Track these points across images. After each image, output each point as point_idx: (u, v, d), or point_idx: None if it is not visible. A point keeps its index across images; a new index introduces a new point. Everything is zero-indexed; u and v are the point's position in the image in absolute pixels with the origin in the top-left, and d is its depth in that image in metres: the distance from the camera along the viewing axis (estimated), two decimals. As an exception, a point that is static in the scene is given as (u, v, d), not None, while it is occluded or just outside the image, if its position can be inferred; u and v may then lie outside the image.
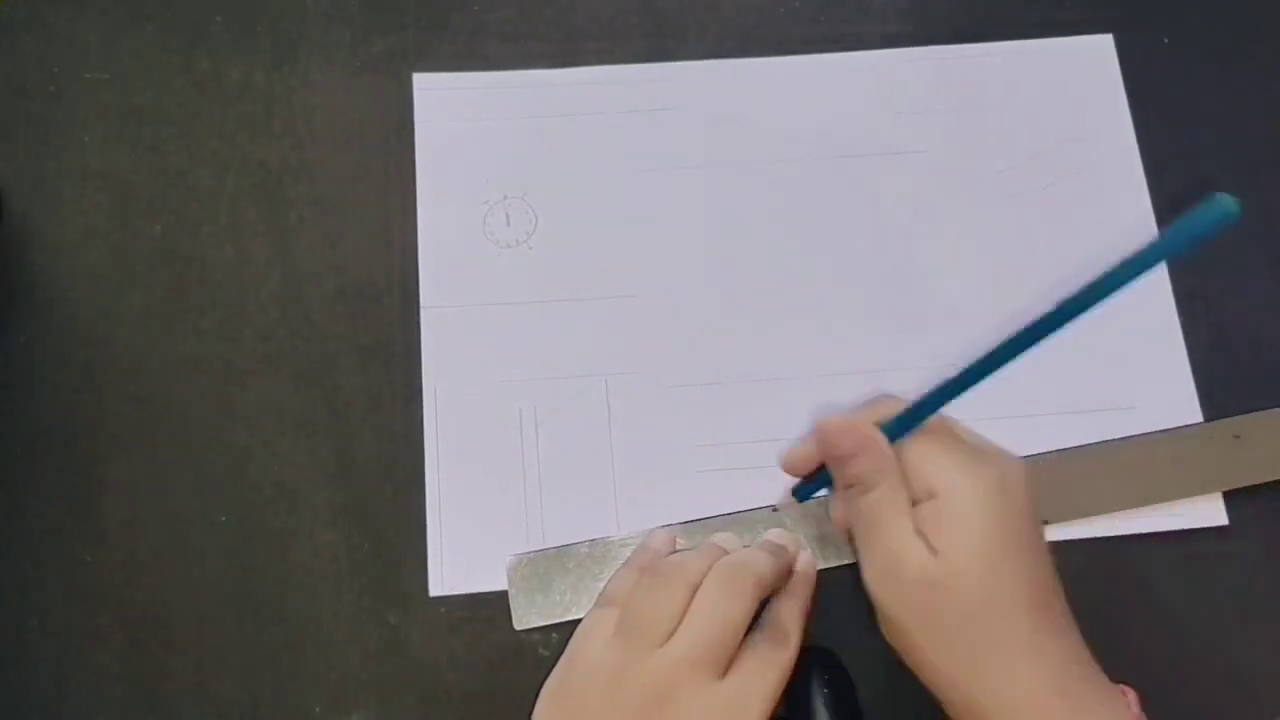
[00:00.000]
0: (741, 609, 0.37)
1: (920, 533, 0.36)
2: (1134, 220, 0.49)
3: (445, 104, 0.50)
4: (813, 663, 0.41)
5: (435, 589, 0.43)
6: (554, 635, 0.43)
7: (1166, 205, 0.49)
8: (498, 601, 0.43)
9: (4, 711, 0.42)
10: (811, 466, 0.41)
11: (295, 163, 0.49)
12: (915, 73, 0.51)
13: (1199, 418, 0.46)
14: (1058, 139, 0.50)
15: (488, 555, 0.44)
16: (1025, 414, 0.46)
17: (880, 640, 0.38)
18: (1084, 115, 0.50)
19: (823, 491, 0.42)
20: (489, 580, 0.44)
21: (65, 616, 0.43)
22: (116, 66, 0.50)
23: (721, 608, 0.37)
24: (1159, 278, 0.48)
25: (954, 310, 0.47)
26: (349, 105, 0.50)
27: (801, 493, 0.43)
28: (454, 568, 0.44)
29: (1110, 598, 0.44)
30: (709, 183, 0.49)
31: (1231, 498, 0.45)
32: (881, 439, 0.38)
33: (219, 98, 0.50)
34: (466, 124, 0.50)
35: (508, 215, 0.48)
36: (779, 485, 0.43)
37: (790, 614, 0.39)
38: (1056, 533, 0.44)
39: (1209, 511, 0.45)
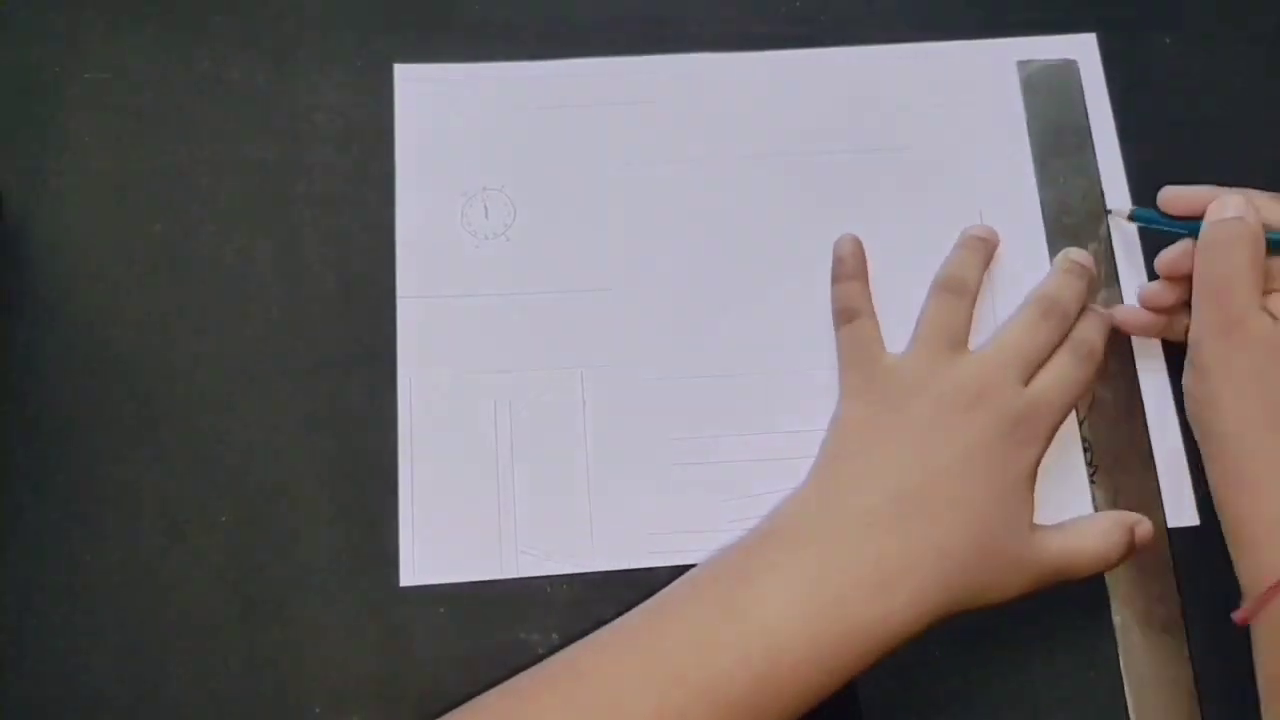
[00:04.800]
0: (1049, 336, 0.43)
1: (1265, 309, 0.41)
2: (1115, 212, 0.49)
3: (426, 95, 0.50)
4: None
5: (406, 578, 0.43)
6: (554, 636, 0.43)
7: (1148, 199, 0.48)
8: (498, 601, 0.43)
9: (4, 712, 0.42)
10: (1198, 207, 0.44)
11: (295, 162, 0.49)
12: (896, 70, 0.51)
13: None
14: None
15: (456, 547, 0.44)
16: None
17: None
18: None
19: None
20: (460, 571, 0.44)
21: (65, 616, 0.43)
22: (116, 66, 0.50)
23: (1031, 333, 0.43)
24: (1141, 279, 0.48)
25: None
26: (349, 104, 0.50)
27: (1142, 214, 0.46)
28: (425, 558, 0.44)
29: (1084, 594, 0.44)
30: (690, 177, 0.49)
31: (1204, 498, 0.45)
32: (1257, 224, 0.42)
33: (219, 97, 0.50)
34: (447, 115, 0.49)
35: (486, 207, 0.48)
36: (755, 478, 0.44)
37: (1095, 329, 0.44)
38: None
39: (1181, 511, 0.45)
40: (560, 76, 0.50)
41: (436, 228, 0.48)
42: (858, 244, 0.47)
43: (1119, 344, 0.46)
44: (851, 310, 0.45)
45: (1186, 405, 0.44)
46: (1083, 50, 0.51)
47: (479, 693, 0.39)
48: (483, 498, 0.44)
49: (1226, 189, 0.44)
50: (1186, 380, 0.43)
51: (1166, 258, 0.45)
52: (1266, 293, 0.43)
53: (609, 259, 0.48)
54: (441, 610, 0.43)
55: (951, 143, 0.50)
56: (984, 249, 0.46)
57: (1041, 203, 0.49)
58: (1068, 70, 0.50)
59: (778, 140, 0.50)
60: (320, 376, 0.46)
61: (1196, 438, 0.44)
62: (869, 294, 0.46)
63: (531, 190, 0.49)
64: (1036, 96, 0.50)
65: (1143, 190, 0.49)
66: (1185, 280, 0.44)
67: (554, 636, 0.43)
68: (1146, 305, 0.46)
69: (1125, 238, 0.48)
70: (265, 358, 0.46)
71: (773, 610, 0.37)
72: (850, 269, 0.46)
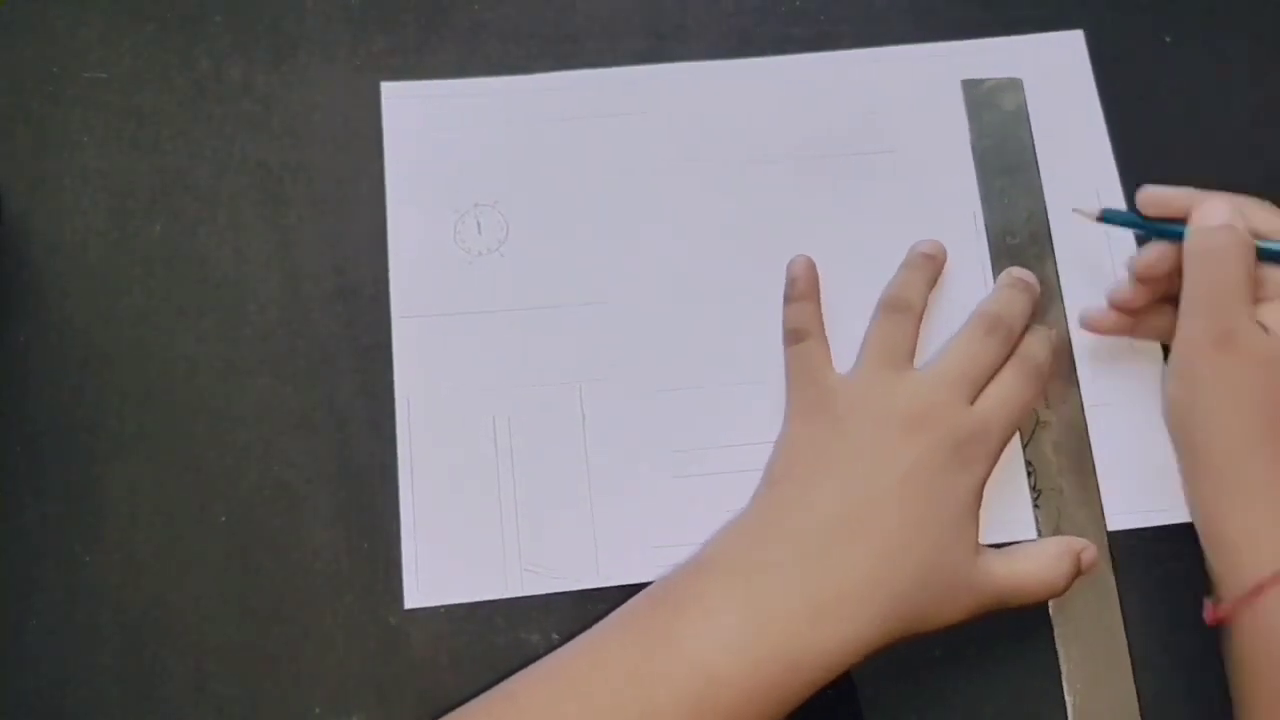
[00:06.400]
0: (995, 354, 0.43)
1: (1256, 321, 0.41)
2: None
3: (414, 112, 0.49)
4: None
5: (411, 600, 0.43)
6: (554, 636, 0.43)
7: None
8: (497, 601, 0.43)
9: (4, 711, 0.42)
10: (1175, 211, 0.43)
11: (295, 163, 0.49)
12: (884, 72, 0.51)
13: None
14: (1032, 136, 0.50)
15: (459, 566, 0.44)
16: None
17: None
18: (1054, 111, 0.50)
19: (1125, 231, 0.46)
20: (464, 591, 0.43)
21: (65, 616, 0.43)
22: (116, 66, 0.50)
23: (976, 350, 0.43)
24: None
25: (928, 308, 0.47)
26: (349, 105, 0.50)
27: (1113, 216, 0.45)
28: (430, 579, 0.43)
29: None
30: (682, 187, 0.49)
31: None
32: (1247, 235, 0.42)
33: (219, 97, 0.50)
34: (436, 132, 0.49)
35: (479, 223, 0.48)
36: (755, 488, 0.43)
37: (1040, 346, 0.44)
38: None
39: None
40: (549, 90, 0.50)
41: (429, 245, 0.47)
42: (811, 265, 0.46)
43: (1062, 364, 0.46)
44: (801, 331, 0.45)
45: (1168, 412, 0.43)
46: (1071, 46, 0.51)
47: (478, 693, 0.39)
48: (485, 516, 0.44)
49: (1209, 192, 0.43)
50: (1172, 389, 0.43)
51: (1144, 260, 0.44)
52: (1256, 302, 0.42)
53: (604, 272, 0.47)
54: (441, 611, 0.43)
55: (941, 143, 0.50)
56: (931, 267, 0.46)
57: (986, 223, 0.48)
58: (1013, 88, 0.50)
59: (772, 147, 0.49)
60: (319, 376, 0.46)
61: (1174, 443, 0.43)
62: (819, 315, 0.45)
63: (524, 205, 0.48)
64: (981, 115, 0.50)
65: (1131, 183, 0.49)
66: (1159, 283, 0.44)
67: (554, 637, 0.43)
68: (1116, 306, 0.45)
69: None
70: (264, 358, 0.46)
71: (707, 642, 0.36)
72: (801, 290, 0.46)
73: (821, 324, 0.45)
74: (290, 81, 0.50)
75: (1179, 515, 0.44)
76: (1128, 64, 0.51)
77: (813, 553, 0.38)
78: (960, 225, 0.48)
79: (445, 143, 0.49)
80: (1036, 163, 0.49)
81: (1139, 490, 0.45)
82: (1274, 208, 0.43)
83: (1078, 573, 0.42)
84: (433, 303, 0.47)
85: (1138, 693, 0.42)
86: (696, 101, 0.50)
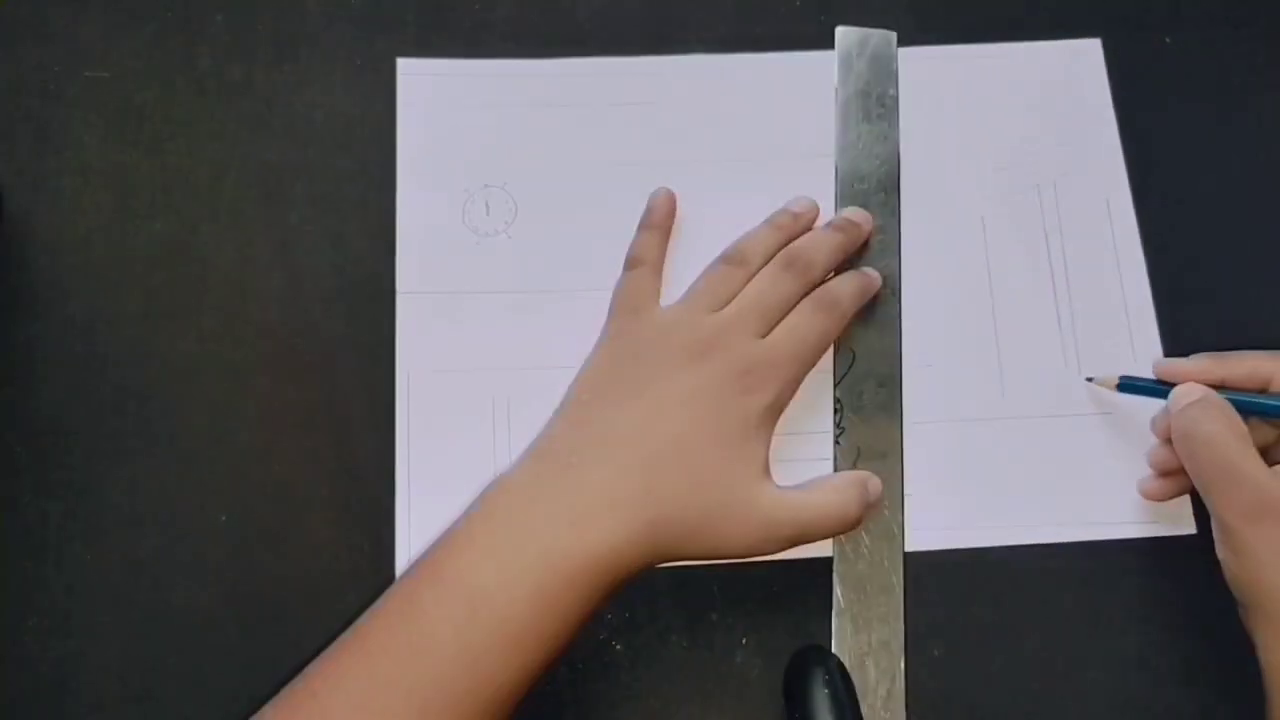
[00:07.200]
0: (790, 289, 0.44)
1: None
2: (1118, 222, 0.49)
3: (428, 90, 0.50)
4: (813, 663, 0.41)
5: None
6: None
7: (1146, 199, 0.49)
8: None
9: (4, 711, 0.42)
10: (1194, 378, 0.43)
11: (295, 161, 0.49)
12: (903, 73, 0.51)
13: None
14: (1043, 142, 0.50)
15: None
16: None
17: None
18: (1070, 118, 0.50)
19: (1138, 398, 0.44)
20: None
21: (65, 616, 0.43)
22: (116, 65, 0.50)
23: (770, 286, 0.44)
24: (1141, 284, 0.48)
25: (934, 309, 0.47)
26: (350, 103, 0.50)
27: (1128, 385, 0.44)
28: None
29: (1079, 604, 0.44)
30: (689, 177, 0.49)
31: (1200, 506, 0.44)
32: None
33: (219, 96, 0.49)
34: (449, 111, 0.49)
35: (487, 204, 0.48)
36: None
37: (846, 286, 0.45)
38: (1022, 536, 0.44)
39: (1177, 519, 0.45)
40: (563, 75, 0.50)
41: (437, 224, 0.48)
42: (670, 199, 0.48)
43: (886, 311, 0.47)
44: (638, 259, 0.46)
45: (1226, 574, 0.40)
46: (1087, 54, 0.51)
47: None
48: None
49: (1187, 361, 0.43)
50: (1222, 556, 0.40)
51: (1160, 425, 0.44)
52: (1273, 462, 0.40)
53: (609, 257, 0.47)
54: (442, 610, 0.43)
55: (955, 145, 0.50)
56: (793, 227, 0.47)
57: (837, 168, 0.49)
58: (885, 41, 0.51)
59: (780, 142, 0.49)
60: (320, 375, 0.46)
61: (1238, 597, 0.40)
62: (662, 247, 0.47)
63: (533, 188, 0.49)
64: (850, 64, 0.50)
65: (1141, 190, 0.49)
66: None
67: (554, 636, 0.43)
68: (1157, 469, 0.44)
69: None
70: (264, 358, 0.46)
71: (468, 561, 0.38)
72: (654, 220, 0.47)
73: (661, 256, 0.47)
74: (290, 80, 0.50)
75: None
76: (1127, 65, 0.51)
77: (578, 464, 0.40)
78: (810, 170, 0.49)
79: (457, 121, 0.49)
80: (898, 113, 0.50)
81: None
82: (1254, 354, 0.43)
83: (866, 503, 0.43)
84: (438, 281, 0.47)
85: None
86: (707, 94, 0.50)
